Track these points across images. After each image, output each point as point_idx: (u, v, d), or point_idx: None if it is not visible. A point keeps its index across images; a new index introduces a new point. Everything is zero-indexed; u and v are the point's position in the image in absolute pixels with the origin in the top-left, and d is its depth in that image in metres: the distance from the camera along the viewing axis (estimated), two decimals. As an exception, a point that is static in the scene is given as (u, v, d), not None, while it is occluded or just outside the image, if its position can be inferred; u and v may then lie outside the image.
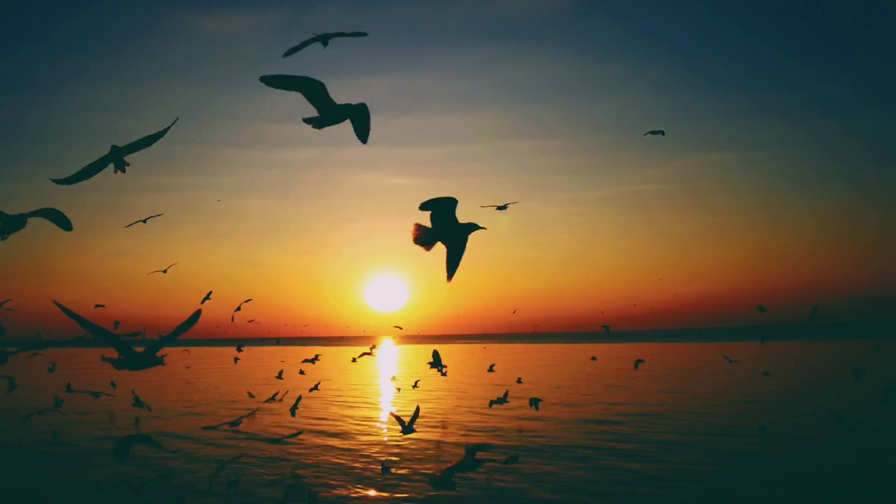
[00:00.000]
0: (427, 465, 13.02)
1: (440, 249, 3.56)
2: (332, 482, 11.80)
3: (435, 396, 26.32)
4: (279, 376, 19.55)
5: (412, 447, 15.13)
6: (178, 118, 3.65)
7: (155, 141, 3.52)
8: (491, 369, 21.18)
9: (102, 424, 19.32)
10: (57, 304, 3.48)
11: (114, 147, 3.47)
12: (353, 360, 23.76)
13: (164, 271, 11.07)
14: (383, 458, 13.71)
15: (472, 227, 3.52)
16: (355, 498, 10.83)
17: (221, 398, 26.77)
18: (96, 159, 3.45)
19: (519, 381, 21.81)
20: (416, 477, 12.11)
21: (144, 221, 10.06)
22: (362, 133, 3.58)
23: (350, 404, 24.28)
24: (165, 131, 3.53)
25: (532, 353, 70.91)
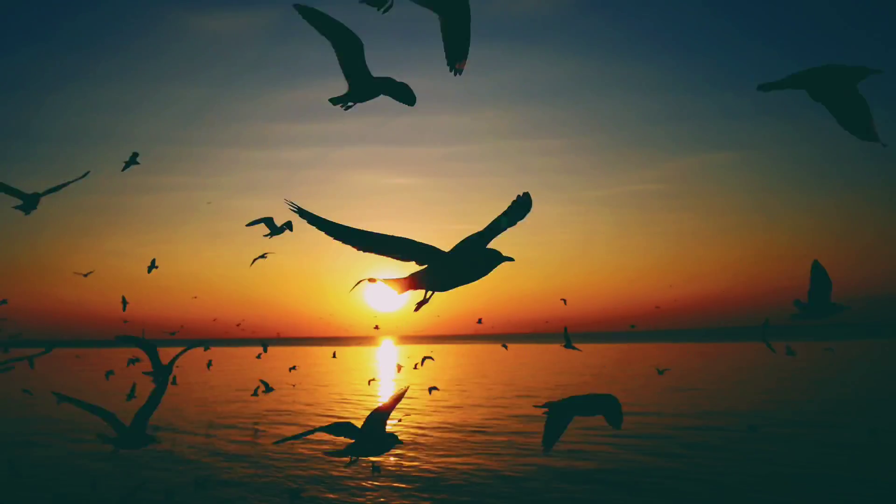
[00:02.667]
0: (417, 465, 12.91)
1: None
2: (321, 480, 11.68)
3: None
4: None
5: (403, 446, 15.01)
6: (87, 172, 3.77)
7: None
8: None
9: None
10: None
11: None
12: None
13: (85, 275, 10.94)
14: (374, 458, 13.61)
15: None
16: (345, 497, 10.70)
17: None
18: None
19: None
20: (408, 476, 11.99)
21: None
22: (408, 98, 2.98)
23: (340, 403, 24.17)
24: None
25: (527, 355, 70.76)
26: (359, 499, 10.67)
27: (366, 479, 11.84)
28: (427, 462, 13.26)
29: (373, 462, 12.80)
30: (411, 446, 15.11)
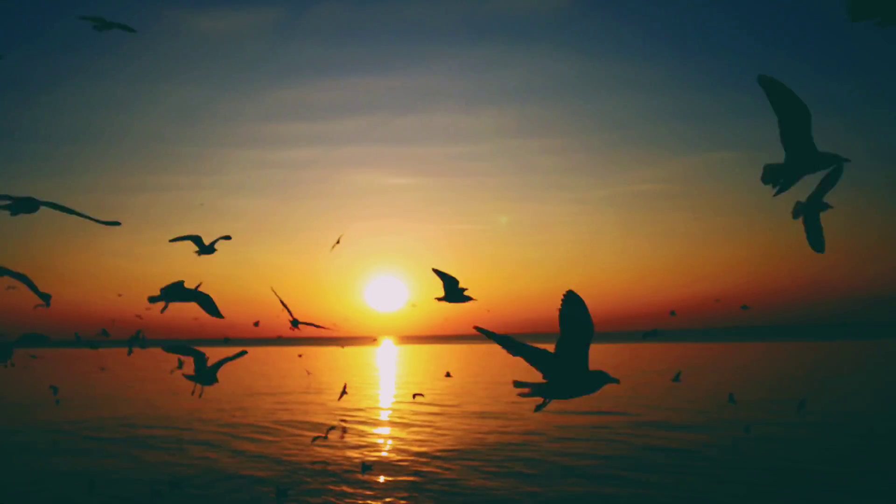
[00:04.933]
0: (407, 465, 12.77)
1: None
2: (310, 480, 11.52)
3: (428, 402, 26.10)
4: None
5: (394, 446, 14.90)
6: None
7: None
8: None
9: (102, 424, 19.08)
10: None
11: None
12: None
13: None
14: (364, 457, 13.47)
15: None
16: (333, 497, 10.55)
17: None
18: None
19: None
20: (396, 476, 11.86)
21: None
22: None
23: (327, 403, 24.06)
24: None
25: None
26: (347, 497, 10.52)
27: (354, 478, 11.70)
28: (417, 460, 13.11)
29: (363, 462, 12.65)
30: (402, 446, 14.99)
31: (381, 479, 11.72)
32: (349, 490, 10.95)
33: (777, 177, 3.23)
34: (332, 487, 11.11)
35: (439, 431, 16.80)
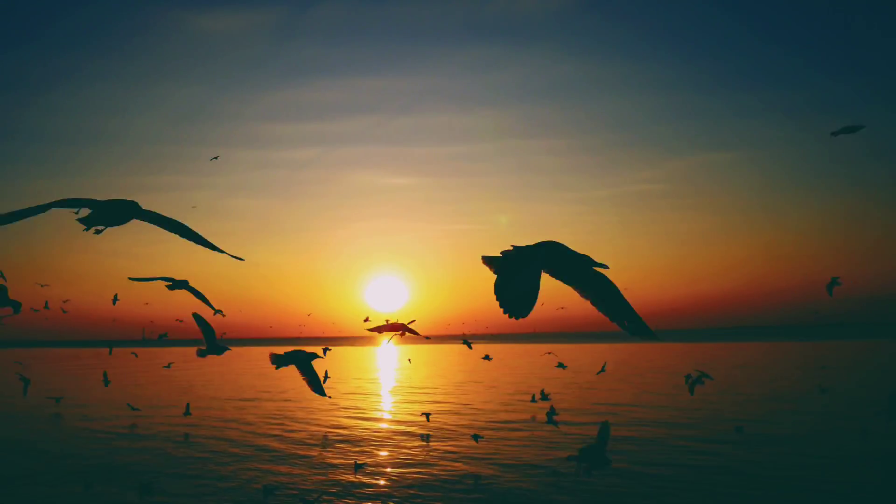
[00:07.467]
0: (402, 464, 12.81)
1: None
2: (298, 477, 11.56)
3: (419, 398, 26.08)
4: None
5: (390, 445, 14.94)
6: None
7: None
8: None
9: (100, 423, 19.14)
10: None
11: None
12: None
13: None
14: (358, 456, 13.52)
15: None
16: (327, 495, 10.58)
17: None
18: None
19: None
20: (391, 475, 11.89)
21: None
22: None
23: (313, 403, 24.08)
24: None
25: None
26: (337, 495, 10.55)
27: (346, 476, 11.73)
28: (409, 459, 13.15)
29: (355, 461, 12.68)
30: (394, 444, 15.02)
31: (376, 477, 11.76)
32: (341, 489, 10.99)
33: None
34: (320, 485, 11.14)
35: (435, 430, 16.82)
